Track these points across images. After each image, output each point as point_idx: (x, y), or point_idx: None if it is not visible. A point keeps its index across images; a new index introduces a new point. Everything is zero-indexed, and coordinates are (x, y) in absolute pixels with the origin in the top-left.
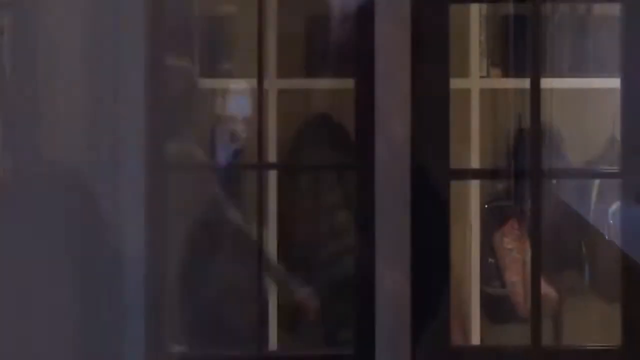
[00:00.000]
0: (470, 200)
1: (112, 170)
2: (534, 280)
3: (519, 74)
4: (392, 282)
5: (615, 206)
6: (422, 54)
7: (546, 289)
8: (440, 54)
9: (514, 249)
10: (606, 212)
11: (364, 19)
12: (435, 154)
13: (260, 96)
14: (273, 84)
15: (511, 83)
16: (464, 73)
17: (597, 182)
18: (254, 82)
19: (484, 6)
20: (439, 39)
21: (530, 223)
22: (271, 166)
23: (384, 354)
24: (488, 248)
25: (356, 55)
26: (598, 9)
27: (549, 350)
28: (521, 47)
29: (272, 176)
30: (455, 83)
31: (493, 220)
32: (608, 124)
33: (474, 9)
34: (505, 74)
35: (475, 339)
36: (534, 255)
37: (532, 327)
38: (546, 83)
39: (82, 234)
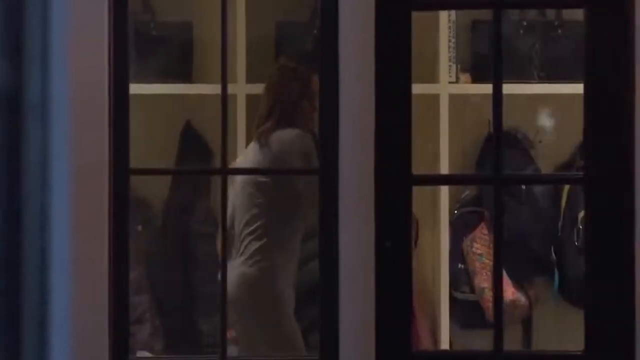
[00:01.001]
0: (439, 206)
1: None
2: (496, 285)
3: (488, 79)
4: (356, 287)
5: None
6: (385, 60)
7: (516, 294)
8: (403, 61)
9: (484, 254)
10: (576, 217)
11: (329, 24)
12: (398, 159)
13: (224, 101)
14: (242, 89)
15: (480, 88)
16: (433, 78)
17: (567, 187)
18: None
19: (453, 12)
20: (402, 45)
21: (493, 228)
22: (235, 171)
23: (349, 359)
24: (458, 253)
25: (321, 61)
26: (568, 14)
27: (511, 356)
28: (490, 53)
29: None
30: (424, 88)
31: (463, 225)
32: (578, 129)
33: (443, 15)
34: (475, 80)
35: (445, 344)
36: (497, 260)
37: (494, 332)
38: (516, 88)
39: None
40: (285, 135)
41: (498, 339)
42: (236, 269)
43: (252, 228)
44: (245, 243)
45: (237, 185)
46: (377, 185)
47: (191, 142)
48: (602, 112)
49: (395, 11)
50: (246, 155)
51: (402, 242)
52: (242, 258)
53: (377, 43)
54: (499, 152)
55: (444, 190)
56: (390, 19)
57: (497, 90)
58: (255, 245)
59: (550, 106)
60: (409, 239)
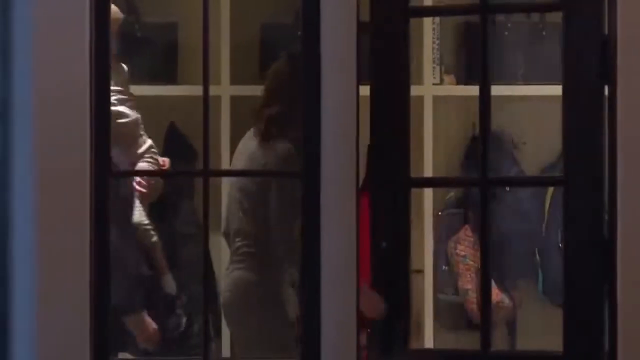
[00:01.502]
0: (424, 208)
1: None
2: (484, 287)
3: (472, 81)
4: (338, 290)
5: None
6: (381, 64)
7: (500, 296)
8: (400, 64)
9: (468, 256)
10: (560, 218)
11: (310, 25)
12: (397, 162)
13: (205, 103)
14: (226, 90)
15: (464, 90)
16: (418, 80)
17: (551, 189)
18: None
19: None
20: (399, 50)
21: (479, 230)
22: (217, 173)
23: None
24: (442, 255)
25: (304, 62)
26: (553, 16)
27: (494, 355)
28: (475, 54)
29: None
30: None
31: (447, 227)
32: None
33: (428, 17)
34: (459, 81)
35: (429, 346)
36: (483, 262)
37: (481, 332)
38: (501, 90)
39: None
40: (279, 148)
41: (485, 338)
42: (229, 272)
43: (241, 232)
44: (235, 247)
45: (228, 188)
46: (376, 187)
47: (175, 144)
48: (582, 114)
49: (392, 16)
50: (244, 145)
51: (400, 243)
52: (235, 263)
53: (372, 48)
54: (485, 154)
55: (428, 192)
56: (386, 23)
57: (484, 94)
58: (244, 249)
59: (534, 108)
60: (407, 241)
